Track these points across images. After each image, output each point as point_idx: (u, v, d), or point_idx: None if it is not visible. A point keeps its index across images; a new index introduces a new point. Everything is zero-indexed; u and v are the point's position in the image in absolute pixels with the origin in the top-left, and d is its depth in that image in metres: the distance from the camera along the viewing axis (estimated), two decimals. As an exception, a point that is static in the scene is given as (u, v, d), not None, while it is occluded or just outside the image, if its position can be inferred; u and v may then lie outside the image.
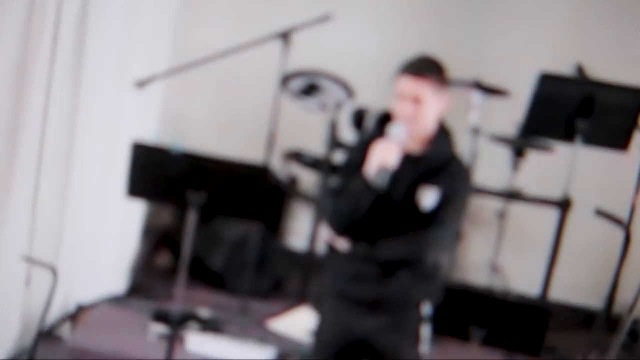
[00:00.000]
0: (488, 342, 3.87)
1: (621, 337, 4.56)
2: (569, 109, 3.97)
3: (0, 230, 4.31)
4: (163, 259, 5.38)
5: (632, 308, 4.80)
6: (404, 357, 3.19)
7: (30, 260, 4.04)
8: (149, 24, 4.58)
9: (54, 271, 3.92)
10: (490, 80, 4.89)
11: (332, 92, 4.80)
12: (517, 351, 4.36)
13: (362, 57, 5.71)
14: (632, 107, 4.08)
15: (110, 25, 4.20)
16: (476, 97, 4.82)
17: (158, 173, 3.52)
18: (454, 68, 3.54)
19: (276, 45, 4.33)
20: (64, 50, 4.33)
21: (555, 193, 4.39)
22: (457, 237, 4.53)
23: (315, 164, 5.25)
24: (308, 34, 4.47)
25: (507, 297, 4.61)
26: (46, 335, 4.22)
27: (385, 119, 3.07)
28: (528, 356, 4.11)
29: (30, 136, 4.15)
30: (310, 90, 4.78)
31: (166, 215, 5.39)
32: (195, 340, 4.21)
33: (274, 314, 4.80)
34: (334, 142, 4.91)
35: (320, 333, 3.30)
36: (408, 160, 2.98)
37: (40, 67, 4.19)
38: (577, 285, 5.17)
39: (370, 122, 4.58)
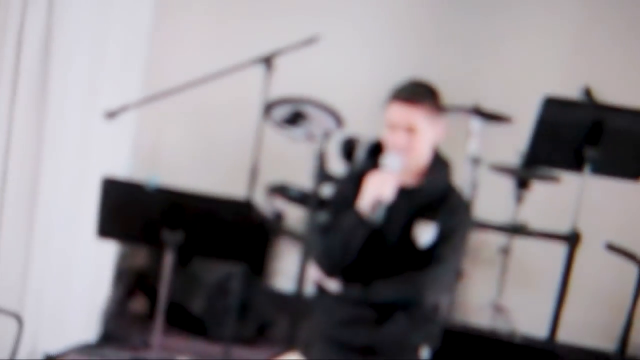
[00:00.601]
0: None
1: None
2: (577, 136, 3.81)
3: None
4: (138, 304, 5.20)
5: None
6: None
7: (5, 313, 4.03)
8: (120, 48, 4.42)
9: (19, 319, 3.83)
10: (490, 105, 4.83)
11: (319, 121, 4.72)
12: None
13: (351, 82, 5.60)
14: None
15: (77, 51, 4.08)
16: (475, 123, 4.76)
17: (131, 211, 3.42)
18: (451, 93, 3.40)
19: (258, 71, 4.10)
20: (27, 77, 4.33)
21: (563, 227, 4.18)
22: (457, 275, 4.34)
23: (302, 198, 5.09)
24: (292, 58, 4.30)
25: (513, 340, 4.47)
26: None
27: (377, 149, 3.06)
28: None
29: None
30: (295, 118, 4.70)
31: (141, 257, 5.13)
32: None
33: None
34: (323, 175, 4.72)
35: None
36: (403, 193, 2.93)
37: (1, 97, 4.18)
38: (587, 326, 5.01)
39: (361, 153, 4.55)
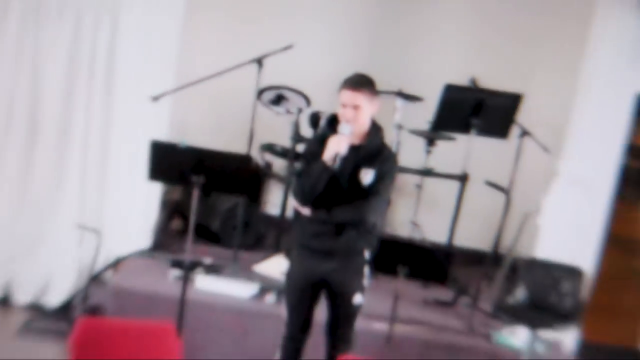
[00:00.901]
0: (411, 276, 4.05)
1: (504, 270, 4.96)
2: (466, 110, 4.32)
3: (59, 205, 4.51)
4: (176, 224, 5.70)
5: (511, 250, 5.17)
6: (352, 289, 3.52)
7: (81, 226, 4.57)
8: (160, 51, 4.74)
9: (98, 234, 4.47)
10: (409, 89, 5.17)
11: (294, 101, 5.16)
12: (430, 281, 4.63)
13: (315, 74, 5.77)
14: (511, 107, 4.44)
15: (132, 53, 4.49)
16: (399, 102, 5.10)
17: (170, 162, 3.79)
18: (382, 81, 3.67)
19: (253, 68, 4.55)
20: (99, 74, 4.48)
21: (457, 170, 4.76)
22: (388, 203, 4.36)
23: (284, 153, 5.45)
24: (276, 59, 4.66)
25: (424, 244, 4.92)
26: (95, 280, 4.61)
27: (333, 120, 3.41)
28: (438, 284, 4.49)
29: (79, 137, 4.60)
30: (278, 100, 5.15)
31: (177, 193, 5.58)
32: (201, 281, 4.52)
33: (257, 261, 5.02)
34: (297, 138, 5.10)
35: (290, 274, 3.64)
36: (352, 149, 3.30)
37: (82, 88, 4.56)
38: (473, 235, 5.43)
39: (323, 123, 4.40)
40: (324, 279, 3.60)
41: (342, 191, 3.48)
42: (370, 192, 3.49)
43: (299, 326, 3.74)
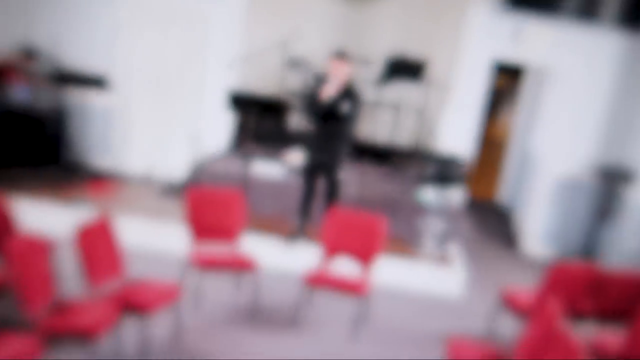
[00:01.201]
0: (371, 161, 6.46)
1: (421, 158, 7.66)
2: (399, 69, 6.93)
3: (180, 124, 7.07)
4: (242, 136, 7.77)
5: (425, 145, 7.65)
6: (336, 170, 5.70)
7: (191, 136, 6.80)
8: (232, 39, 7.16)
9: (199, 141, 6.75)
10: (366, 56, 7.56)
11: (305, 65, 7.57)
12: (382, 164, 6.82)
13: (312, 48, 7.92)
14: (422, 65, 7.00)
15: (216, 41, 7.02)
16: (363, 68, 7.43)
17: (238, 101, 6.08)
18: (351, 51, 6.14)
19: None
20: (200, 52, 7.00)
21: (394, 102, 7.44)
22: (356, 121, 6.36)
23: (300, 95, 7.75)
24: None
25: (376, 145, 7.46)
26: (197, 169, 6.82)
27: (325, 77, 5.53)
28: (387, 166, 6.76)
29: (190, 87, 7.13)
30: (297, 64, 7.55)
31: (243, 119, 7.68)
32: (258, 165, 6.66)
33: (286, 154, 7.22)
34: (309, 87, 7.35)
35: (306, 162, 5.85)
36: (336, 92, 5.36)
37: (193, 63, 7.05)
38: (405, 137, 7.79)
39: (320, 78, 6.62)
40: (323, 164, 5.74)
41: (331, 116, 5.49)
42: (347, 116, 5.42)
43: (308, 191, 5.91)
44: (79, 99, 7.17)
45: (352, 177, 6.81)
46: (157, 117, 7.54)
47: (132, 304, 4.86)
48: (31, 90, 6.75)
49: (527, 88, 9.15)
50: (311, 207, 6.09)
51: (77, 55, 7.06)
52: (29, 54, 7.06)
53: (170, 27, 7.23)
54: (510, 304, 5.68)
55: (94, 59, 7.09)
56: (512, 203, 8.99)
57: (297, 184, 6.51)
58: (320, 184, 6.04)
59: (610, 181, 7.01)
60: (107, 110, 7.38)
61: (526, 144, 8.75)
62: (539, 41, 6.82)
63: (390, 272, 5.89)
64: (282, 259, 5.93)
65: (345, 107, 5.60)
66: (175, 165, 7.38)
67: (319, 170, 5.93)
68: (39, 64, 7.02)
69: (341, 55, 5.58)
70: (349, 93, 5.67)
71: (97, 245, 4.87)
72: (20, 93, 6.74)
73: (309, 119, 5.98)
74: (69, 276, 4.90)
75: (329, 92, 5.49)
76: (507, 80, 9.39)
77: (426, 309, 6.00)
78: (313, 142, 6.00)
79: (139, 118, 7.47)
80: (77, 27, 7.22)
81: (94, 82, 6.72)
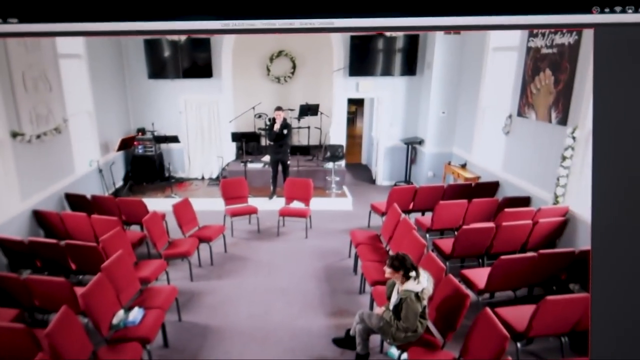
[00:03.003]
0: (300, 154, 13.28)
1: (324, 148, 14.39)
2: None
3: (212, 150, 12.79)
4: (240, 152, 12.69)
5: (325, 142, 14.68)
6: (287, 162, 11.41)
7: (218, 155, 12.71)
8: (227, 106, 13.10)
9: (222, 158, 12.61)
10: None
11: (266, 117, 13.39)
12: (306, 155, 13.48)
13: (268, 108, 12.87)
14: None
15: (223, 101, 13.69)
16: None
17: (236, 137, 12.15)
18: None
19: (252, 105, 14.09)
20: (215, 111, 13.24)
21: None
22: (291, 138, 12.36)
23: (265, 129, 12.85)
24: (249, 104, 13.58)
25: (302, 145, 13.25)
26: (223, 170, 12.35)
27: (274, 119, 11.10)
28: (306, 156, 13.22)
29: (213, 133, 12.89)
30: (260, 116, 13.25)
31: (240, 144, 12.48)
32: (249, 164, 11.96)
33: (263, 156, 12.53)
34: (268, 125, 12.29)
35: (270, 159, 11.61)
36: (280, 126, 10.99)
37: (211, 118, 12.88)
38: (312, 140, 13.71)
39: (271, 120, 11.22)
40: (280, 159, 11.23)
41: (279, 136, 10.91)
42: (286, 135, 10.95)
43: (275, 173, 11.30)
44: (167, 147, 12.95)
45: (292, 162, 12.03)
46: (202, 150, 13.24)
47: (203, 237, 8.74)
48: (144, 146, 12.68)
49: (366, 108, 15.26)
50: (277, 180, 11.22)
51: (162, 127, 12.95)
52: (141, 130, 12.92)
53: (202, 108, 12.86)
54: (375, 209, 9.98)
55: (171, 127, 12.86)
56: (369, 162, 15.00)
57: (268, 171, 11.79)
58: (279, 169, 11.24)
59: (411, 145, 13.04)
60: (180, 150, 13.01)
61: (370, 134, 14.87)
62: (368, 87, 12.96)
63: (317, 204, 10.71)
64: (267, 206, 10.83)
65: (284, 132, 10.98)
66: (213, 170, 13.14)
67: (278, 162, 11.20)
68: (147, 134, 12.87)
69: (279, 108, 10.98)
70: (285, 125, 10.99)
71: (183, 212, 8.77)
72: (139, 149, 12.69)
73: (270, 139, 11.14)
74: (173, 229, 8.81)
75: (277, 126, 10.84)
76: (356, 106, 16.24)
77: (337, 218, 10.58)
78: (274, 149, 11.28)
79: (194, 151, 13.16)
80: (160, 115, 12.97)
81: (172, 138, 12.28)
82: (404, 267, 5.85)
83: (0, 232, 7.83)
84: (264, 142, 13.69)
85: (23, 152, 8.53)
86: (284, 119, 11.14)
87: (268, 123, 12.92)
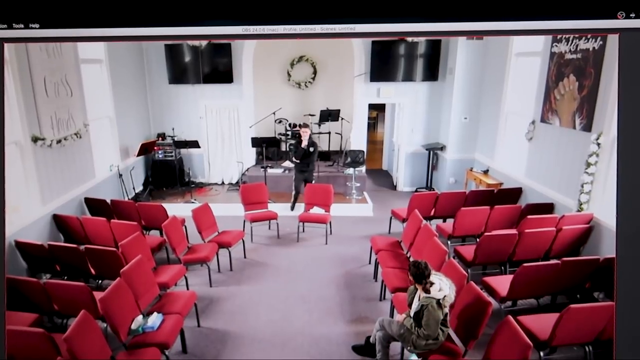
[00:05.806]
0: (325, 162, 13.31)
1: (344, 153, 14.35)
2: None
3: (232, 156, 12.92)
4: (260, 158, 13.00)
5: (346, 148, 14.74)
6: (311, 179, 11.22)
7: (238, 161, 12.73)
8: (248, 111, 13.38)
9: (242, 163, 12.78)
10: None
11: (286, 122, 13.49)
12: (327, 162, 13.58)
13: (288, 114, 13.35)
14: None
15: (243, 107, 13.52)
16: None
17: (256, 142, 12.26)
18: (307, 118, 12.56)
19: (273, 111, 14.13)
20: (235, 116, 13.52)
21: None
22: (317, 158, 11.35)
23: (290, 136, 13.09)
24: (273, 108, 13.76)
25: (326, 152, 13.39)
26: (242, 175, 12.57)
27: (299, 135, 11.11)
28: (330, 162, 13.28)
29: (233, 137, 12.97)
30: (281, 122, 13.34)
31: (260, 149, 12.70)
32: (269, 169, 12.18)
33: (281, 162, 12.73)
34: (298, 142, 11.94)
35: (295, 175, 11.33)
36: (306, 143, 10.89)
37: (230, 121, 13.02)
38: (334, 145, 14.20)
39: (297, 135, 12.29)
40: (305, 179, 11.07)
41: (305, 154, 10.80)
42: (312, 153, 10.85)
43: (297, 192, 11.17)
44: (187, 152, 13.07)
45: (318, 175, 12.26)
46: (222, 155, 13.34)
47: (222, 242, 8.84)
48: (164, 151, 12.86)
49: (387, 114, 15.52)
50: (299, 192, 11.20)
51: (183, 132, 13.11)
52: (162, 135, 13.15)
53: (222, 113, 12.96)
54: (396, 215, 10.02)
55: (191, 133, 13.03)
56: (390, 168, 15.07)
57: (288, 176, 11.91)
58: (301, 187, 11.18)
59: (432, 150, 13.08)
60: (200, 155, 13.17)
61: (391, 139, 14.97)
62: (390, 92, 13.07)
63: (337, 209, 10.87)
64: (287, 211, 11.17)
65: (311, 150, 10.85)
66: (233, 175, 13.29)
67: (304, 181, 11.14)
68: (167, 139, 13.01)
69: (305, 125, 11.01)
70: (311, 143, 10.93)
71: (203, 218, 8.88)
72: (159, 154, 12.86)
73: (297, 157, 11.03)
74: (192, 234, 8.93)
75: (304, 143, 10.79)
76: (377, 111, 16.22)
77: (357, 224, 10.65)
78: (300, 168, 11.13)
79: (214, 157, 13.29)
80: (181, 120, 13.14)
81: (192, 143, 12.33)
82: (423, 275, 5.82)
83: (20, 237, 7.90)
84: (284, 147, 13.85)
85: (44, 157, 8.65)
86: (310, 137, 11.20)
87: (288, 129, 13.45)
